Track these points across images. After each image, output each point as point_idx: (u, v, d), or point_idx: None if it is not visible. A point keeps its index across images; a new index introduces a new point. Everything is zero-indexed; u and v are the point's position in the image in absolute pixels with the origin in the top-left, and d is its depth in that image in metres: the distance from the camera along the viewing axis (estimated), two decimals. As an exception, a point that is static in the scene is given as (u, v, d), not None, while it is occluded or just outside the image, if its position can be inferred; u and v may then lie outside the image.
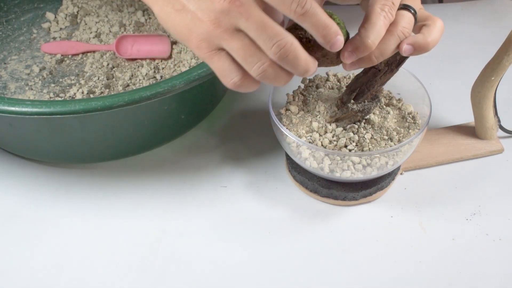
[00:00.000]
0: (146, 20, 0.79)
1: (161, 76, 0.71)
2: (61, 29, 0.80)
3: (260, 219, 0.59)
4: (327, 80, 0.62)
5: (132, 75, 0.71)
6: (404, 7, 0.48)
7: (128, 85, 0.70)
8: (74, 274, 0.54)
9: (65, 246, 0.57)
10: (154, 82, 0.70)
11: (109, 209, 0.60)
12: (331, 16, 0.45)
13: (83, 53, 0.76)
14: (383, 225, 0.58)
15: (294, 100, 0.60)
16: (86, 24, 0.80)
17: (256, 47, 0.42)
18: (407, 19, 0.48)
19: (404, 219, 0.58)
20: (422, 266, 0.54)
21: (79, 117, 0.55)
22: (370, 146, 0.55)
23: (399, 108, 0.59)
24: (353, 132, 0.55)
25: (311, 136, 0.56)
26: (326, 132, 0.56)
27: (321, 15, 0.42)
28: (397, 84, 0.60)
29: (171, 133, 0.66)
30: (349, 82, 0.58)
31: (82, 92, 0.69)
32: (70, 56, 0.76)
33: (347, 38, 0.47)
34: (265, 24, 0.41)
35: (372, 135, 0.55)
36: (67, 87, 0.71)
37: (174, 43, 0.75)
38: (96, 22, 0.80)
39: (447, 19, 0.83)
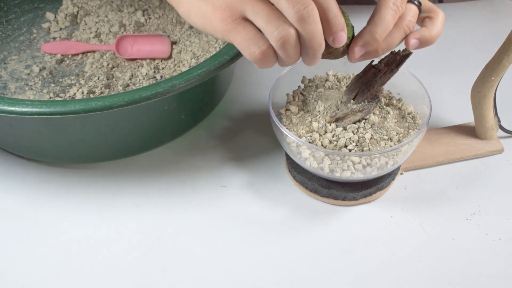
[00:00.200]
0: (146, 20, 0.79)
1: (161, 76, 0.71)
2: (61, 29, 0.80)
3: (260, 219, 0.59)
4: (327, 80, 0.62)
5: (132, 75, 0.71)
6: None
7: (128, 85, 0.70)
8: (74, 274, 0.54)
9: (65, 246, 0.57)
10: (154, 82, 0.70)
11: (109, 209, 0.60)
12: (343, 13, 0.46)
13: (83, 53, 0.76)
14: (383, 225, 0.58)
15: (294, 100, 0.60)
16: (86, 24, 0.79)
17: (279, 12, 0.43)
18: (412, 12, 0.50)
19: (404, 219, 0.58)
20: (422, 266, 0.54)
21: (79, 117, 0.55)
22: (370, 146, 0.55)
23: (399, 108, 0.59)
24: (353, 132, 0.55)
25: (311, 136, 0.56)
26: (326, 132, 0.56)
27: (334, 4, 0.44)
28: (397, 84, 0.60)
29: (171, 133, 0.66)
30: (349, 82, 0.58)
31: (82, 92, 0.69)
32: (70, 56, 0.76)
33: (352, 38, 0.49)
34: None
35: (372, 135, 0.55)
36: (67, 87, 0.71)
37: (174, 43, 0.75)
38: (96, 22, 0.80)
39: (447, 19, 0.82)
